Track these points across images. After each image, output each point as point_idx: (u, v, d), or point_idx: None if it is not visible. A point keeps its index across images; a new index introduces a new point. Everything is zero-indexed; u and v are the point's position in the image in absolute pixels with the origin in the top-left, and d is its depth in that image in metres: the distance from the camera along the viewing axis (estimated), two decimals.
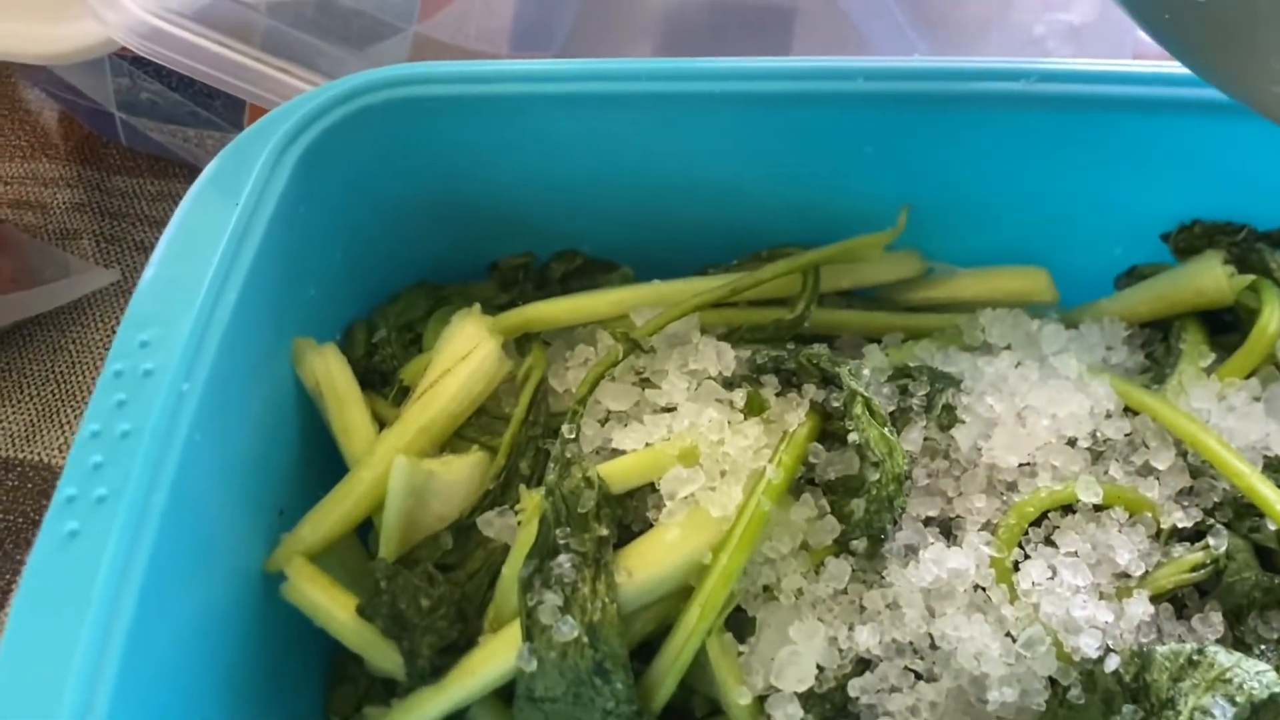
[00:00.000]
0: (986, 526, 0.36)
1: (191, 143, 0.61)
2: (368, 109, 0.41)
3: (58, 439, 0.58)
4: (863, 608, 0.35)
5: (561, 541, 0.35)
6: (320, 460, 0.42)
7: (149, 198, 0.67)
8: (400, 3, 0.48)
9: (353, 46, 0.48)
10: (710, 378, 0.40)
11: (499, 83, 0.42)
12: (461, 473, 0.38)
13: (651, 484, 0.37)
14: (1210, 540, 0.35)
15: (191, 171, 0.68)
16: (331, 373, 0.41)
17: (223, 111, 0.56)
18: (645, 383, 0.41)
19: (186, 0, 0.45)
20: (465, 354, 0.40)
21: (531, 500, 0.37)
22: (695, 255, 0.47)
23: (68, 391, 0.59)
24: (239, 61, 0.46)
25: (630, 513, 0.37)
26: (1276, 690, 0.31)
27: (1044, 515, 0.36)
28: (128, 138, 0.65)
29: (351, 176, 0.43)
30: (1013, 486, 0.36)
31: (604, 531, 0.35)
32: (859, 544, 0.36)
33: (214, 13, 0.45)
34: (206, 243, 0.38)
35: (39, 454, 0.58)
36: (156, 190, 0.67)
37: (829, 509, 0.36)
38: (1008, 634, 0.34)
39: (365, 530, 0.42)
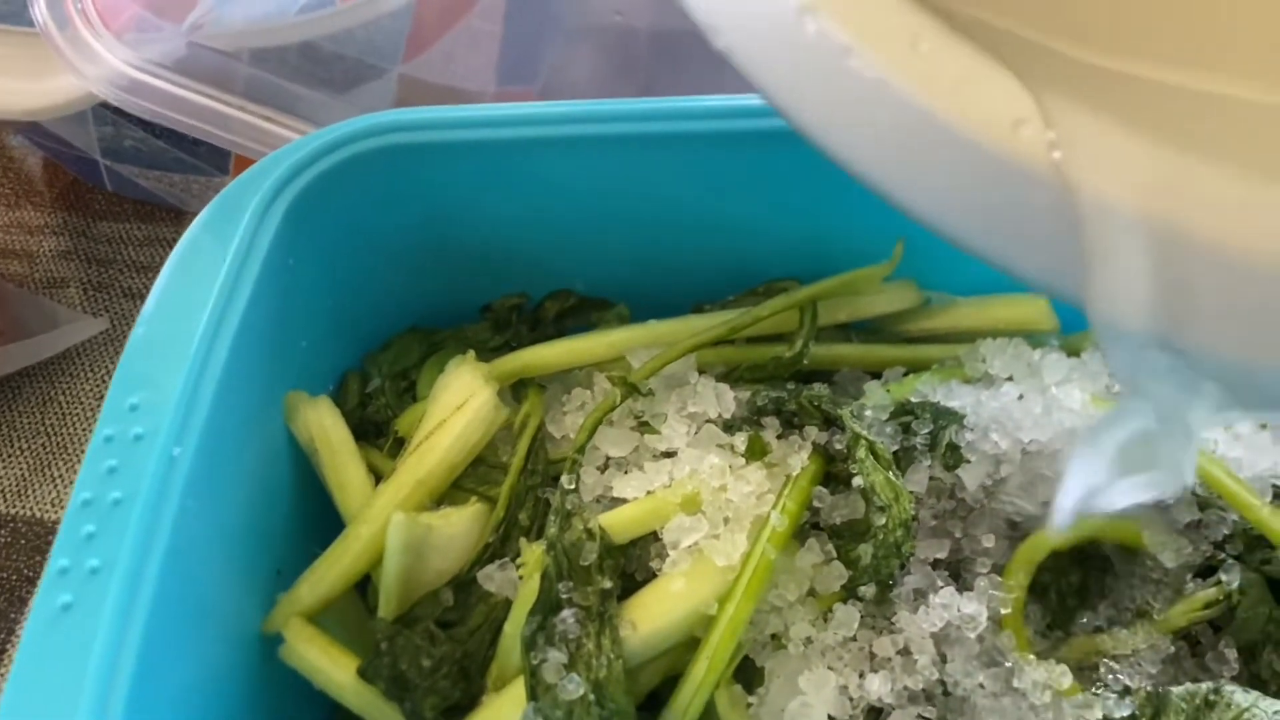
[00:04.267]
0: (996, 568, 0.35)
1: (178, 188, 0.60)
2: (356, 157, 0.41)
3: (50, 494, 0.57)
4: (873, 655, 0.35)
5: (564, 596, 0.34)
6: (317, 516, 0.41)
7: (136, 243, 0.66)
8: (385, 44, 0.48)
9: (337, 91, 0.48)
10: (710, 421, 0.39)
11: (487, 127, 0.42)
12: (460, 526, 0.38)
13: (654, 532, 0.36)
14: (1222, 575, 0.34)
15: (178, 215, 0.67)
16: (325, 426, 0.40)
17: (208, 156, 0.56)
18: (644, 427, 0.40)
19: (166, 50, 0.44)
20: (460, 403, 0.40)
21: (532, 555, 0.36)
22: (689, 291, 0.47)
23: (59, 445, 0.59)
24: (221, 111, 0.45)
25: (633, 561, 0.37)
26: None
27: (1053, 554, 0.35)
28: (113, 183, 0.64)
29: (341, 225, 0.42)
30: (1020, 526, 0.36)
31: (607, 584, 0.35)
32: (867, 590, 0.35)
33: (194, 62, 0.45)
34: (195, 300, 0.37)
35: (31, 509, 0.57)
36: (143, 235, 0.66)
37: (835, 554, 0.36)
38: (1020, 677, 0.33)
39: (365, 584, 0.41)
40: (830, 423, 0.37)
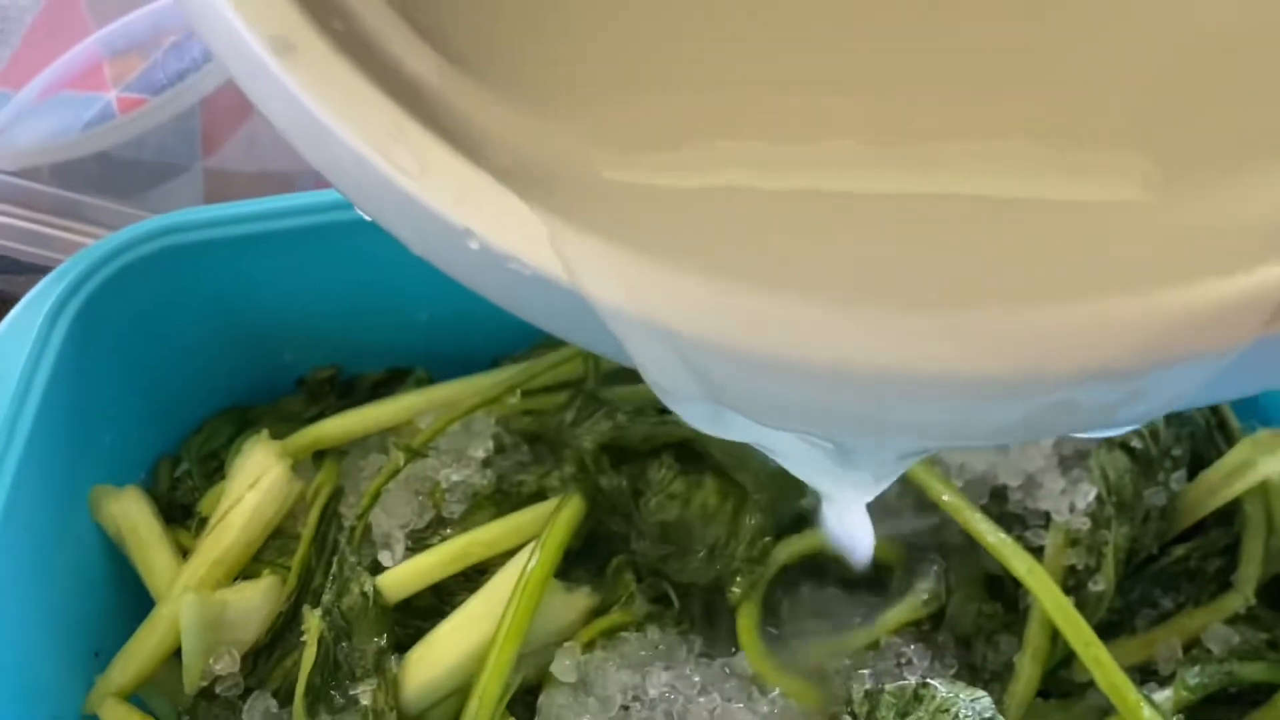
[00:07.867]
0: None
1: (24, 287, 0.63)
2: (139, 261, 0.44)
3: None
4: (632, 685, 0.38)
5: (342, 659, 0.37)
6: (135, 598, 0.44)
7: None
8: (178, 145, 0.50)
9: (141, 193, 0.50)
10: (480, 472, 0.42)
11: (263, 220, 0.44)
12: (255, 599, 0.40)
13: (429, 588, 0.40)
14: (935, 577, 0.38)
15: None
16: (130, 515, 0.43)
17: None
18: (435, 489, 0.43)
19: None
20: (254, 481, 0.42)
21: (311, 621, 0.39)
22: (489, 348, 0.50)
23: None
24: (22, 228, 0.48)
25: (411, 616, 0.40)
26: (988, 715, 0.33)
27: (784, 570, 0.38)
28: None
29: (134, 323, 0.45)
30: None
31: (383, 643, 0.38)
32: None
33: None
34: None
35: None
36: None
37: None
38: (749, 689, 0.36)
39: None
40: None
